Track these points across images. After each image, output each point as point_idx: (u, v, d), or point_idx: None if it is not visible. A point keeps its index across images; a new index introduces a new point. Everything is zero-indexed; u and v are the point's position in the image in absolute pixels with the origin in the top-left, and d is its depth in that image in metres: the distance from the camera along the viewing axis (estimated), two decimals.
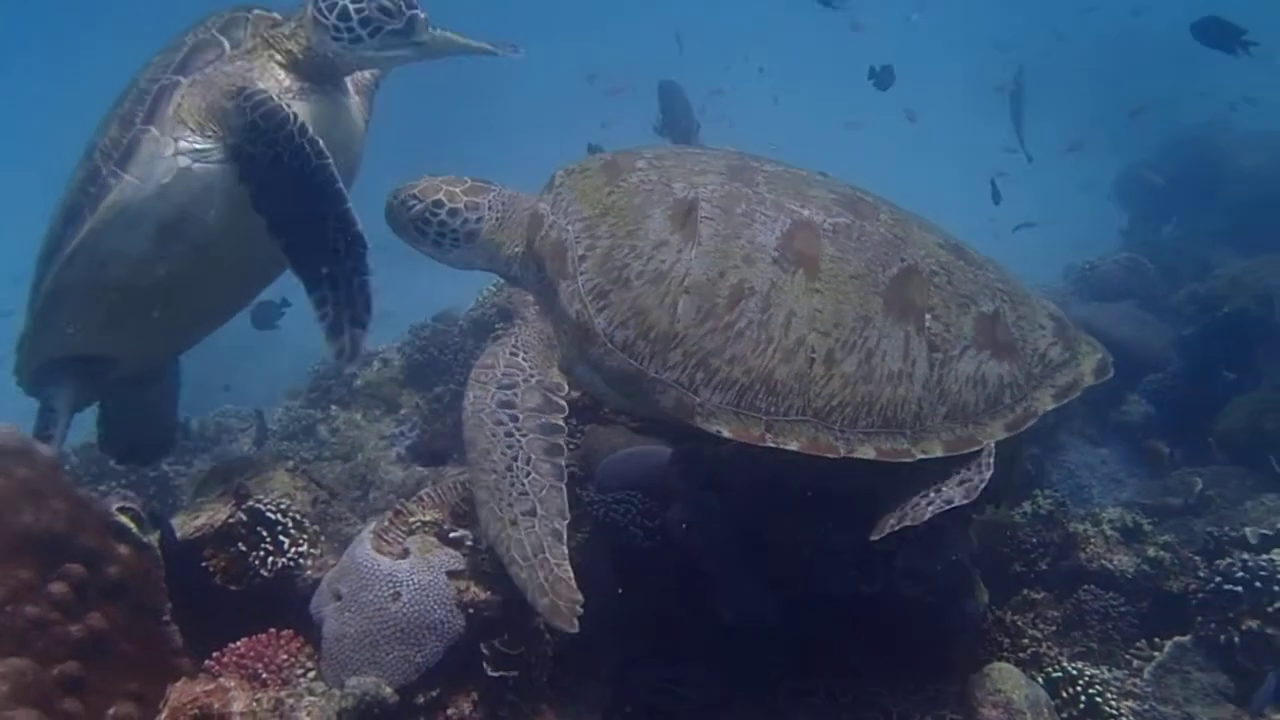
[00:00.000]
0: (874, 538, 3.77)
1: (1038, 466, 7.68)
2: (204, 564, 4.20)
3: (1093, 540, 5.82)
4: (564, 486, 3.66)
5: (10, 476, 3.56)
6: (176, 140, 4.20)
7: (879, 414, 3.83)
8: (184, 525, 4.30)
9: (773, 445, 3.76)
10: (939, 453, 3.87)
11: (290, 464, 4.82)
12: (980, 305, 4.05)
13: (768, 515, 4.35)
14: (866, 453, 3.81)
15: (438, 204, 4.23)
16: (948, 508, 3.74)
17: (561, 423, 3.79)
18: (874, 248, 3.97)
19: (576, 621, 3.39)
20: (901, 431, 3.85)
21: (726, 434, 3.77)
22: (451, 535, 4.08)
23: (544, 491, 3.60)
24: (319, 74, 4.44)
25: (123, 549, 3.73)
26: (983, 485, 3.79)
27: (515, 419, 3.74)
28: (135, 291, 4.50)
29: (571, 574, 3.49)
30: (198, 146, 4.21)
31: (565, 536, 3.57)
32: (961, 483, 3.82)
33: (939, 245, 4.14)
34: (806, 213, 3.98)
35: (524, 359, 3.92)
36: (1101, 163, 18.61)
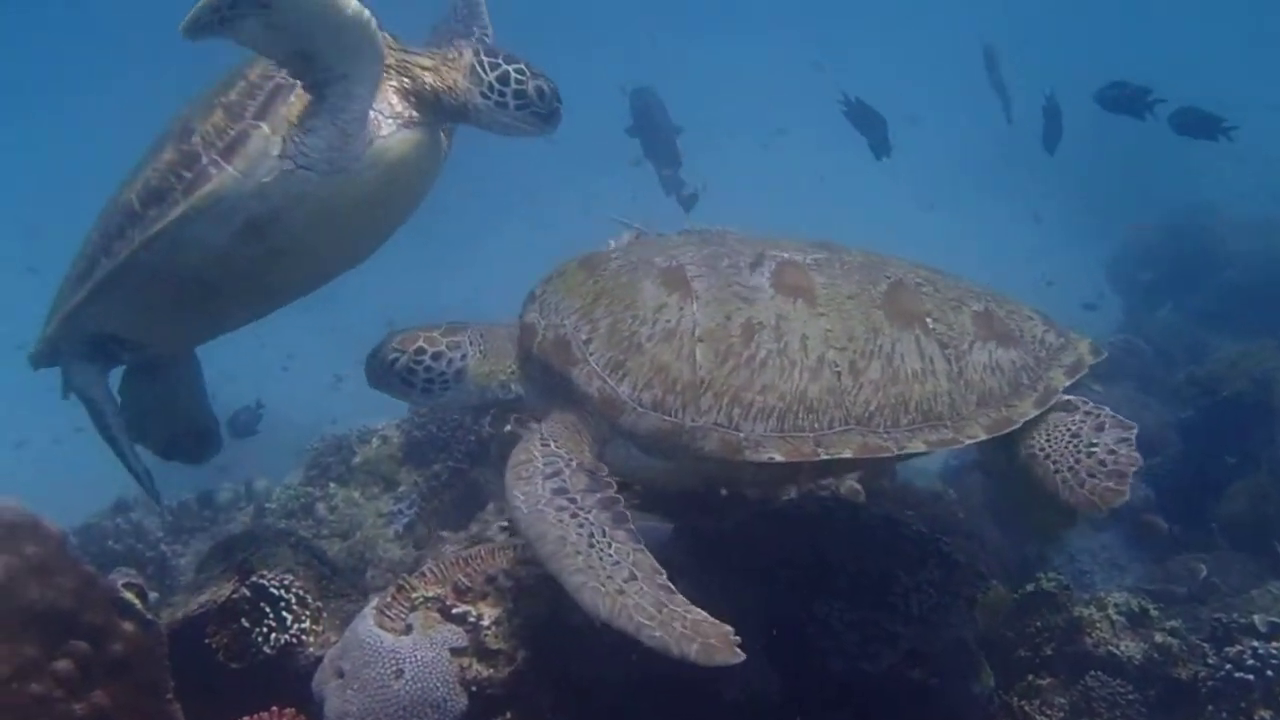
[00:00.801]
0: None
1: (1038, 550, 7.65)
2: (206, 640, 4.18)
3: (1099, 625, 5.76)
4: (646, 549, 3.58)
5: (18, 553, 3.55)
6: (284, 142, 4.14)
7: (916, 410, 3.94)
8: (187, 602, 4.29)
9: (827, 457, 3.81)
10: (982, 436, 4.00)
11: (292, 540, 4.81)
12: (971, 305, 4.25)
13: (771, 591, 4.33)
14: (917, 447, 3.90)
15: (420, 351, 4.20)
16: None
17: (616, 494, 3.73)
18: (858, 271, 4.19)
19: (739, 650, 3.26)
20: (943, 423, 3.97)
21: (779, 458, 3.78)
22: (454, 611, 4.06)
23: (631, 557, 3.51)
24: (432, 110, 4.42)
25: (127, 626, 3.71)
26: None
27: (574, 500, 3.66)
28: (197, 282, 4.49)
29: (704, 613, 3.37)
30: (305, 151, 4.14)
31: (676, 593, 3.44)
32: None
33: (912, 264, 4.40)
34: (786, 254, 4.18)
35: (556, 447, 3.87)
36: (1094, 247, 18.78)
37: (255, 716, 3.90)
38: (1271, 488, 7.66)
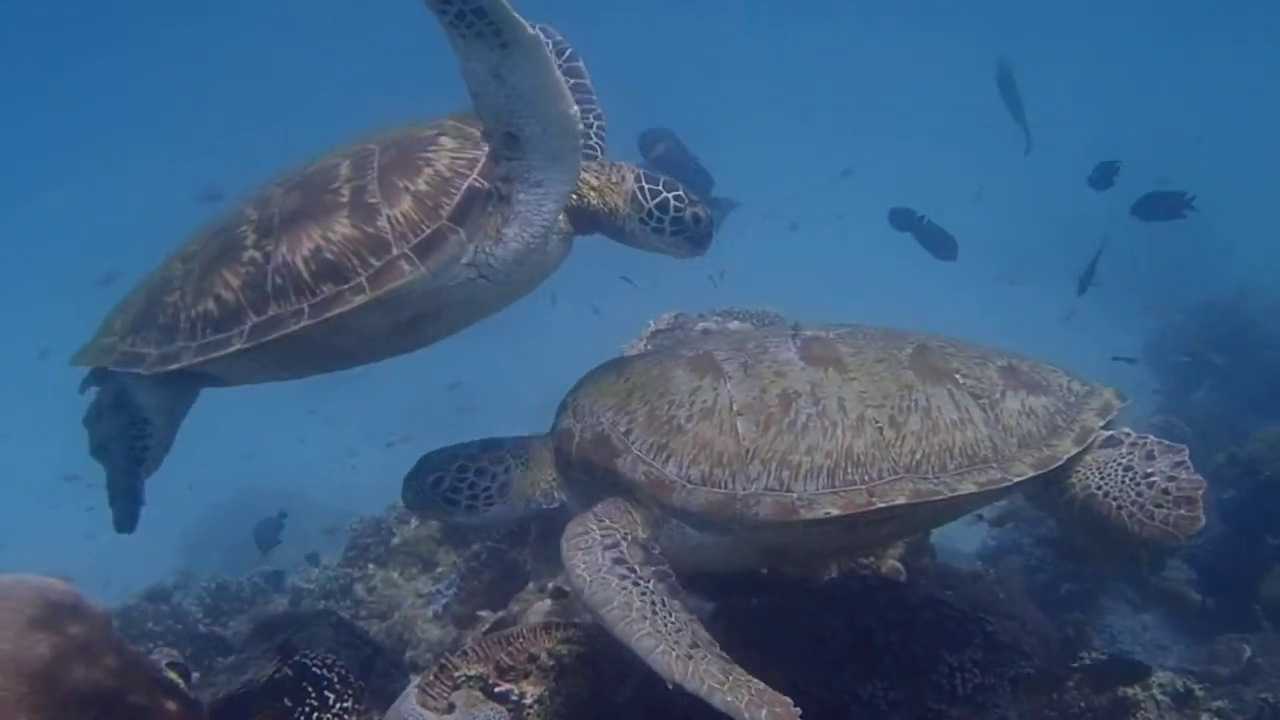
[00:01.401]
0: None
1: (1078, 630, 7.56)
2: None
3: (1144, 706, 5.68)
4: (701, 624, 3.57)
5: (63, 633, 3.59)
6: (475, 251, 4.09)
7: (961, 454, 4.00)
8: (230, 681, 4.30)
9: (882, 505, 3.83)
10: (1030, 473, 4.04)
11: (333, 620, 4.83)
12: (995, 361, 4.38)
13: (813, 670, 4.30)
14: (967, 488, 3.93)
15: (463, 469, 4.23)
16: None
17: (669, 569, 3.74)
18: (881, 340, 4.33)
19: None
20: (989, 464, 4.02)
21: (835, 511, 3.80)
22: (497, 690, 4.06)
23: (690, 627, 3.50)
24: (587, 225, 4.50)
25: (171, 705, 3.74)
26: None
27: (634, 570, 3.67)
28: (331, 351, 4.38)
29: (764, 683, 3.35)
30: (491, 262, 4.13)
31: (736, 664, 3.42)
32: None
33: (930, 334, 4.52)
34: (810, 332, 4.35)
35: (612, 523, 3.89)
36: (1131, 328, 18.73)
37: None
38: None
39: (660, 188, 4.43)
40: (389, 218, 3.99)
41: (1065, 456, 4.12)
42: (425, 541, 7.96)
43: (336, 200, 4.05)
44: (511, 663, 4.20)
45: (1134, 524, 4.01)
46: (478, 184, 4.05)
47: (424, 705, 3.97)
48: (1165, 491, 3.99)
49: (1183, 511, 3.95)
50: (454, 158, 4.10)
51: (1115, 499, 4.06)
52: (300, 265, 3.98)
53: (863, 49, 44.28)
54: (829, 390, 4.03)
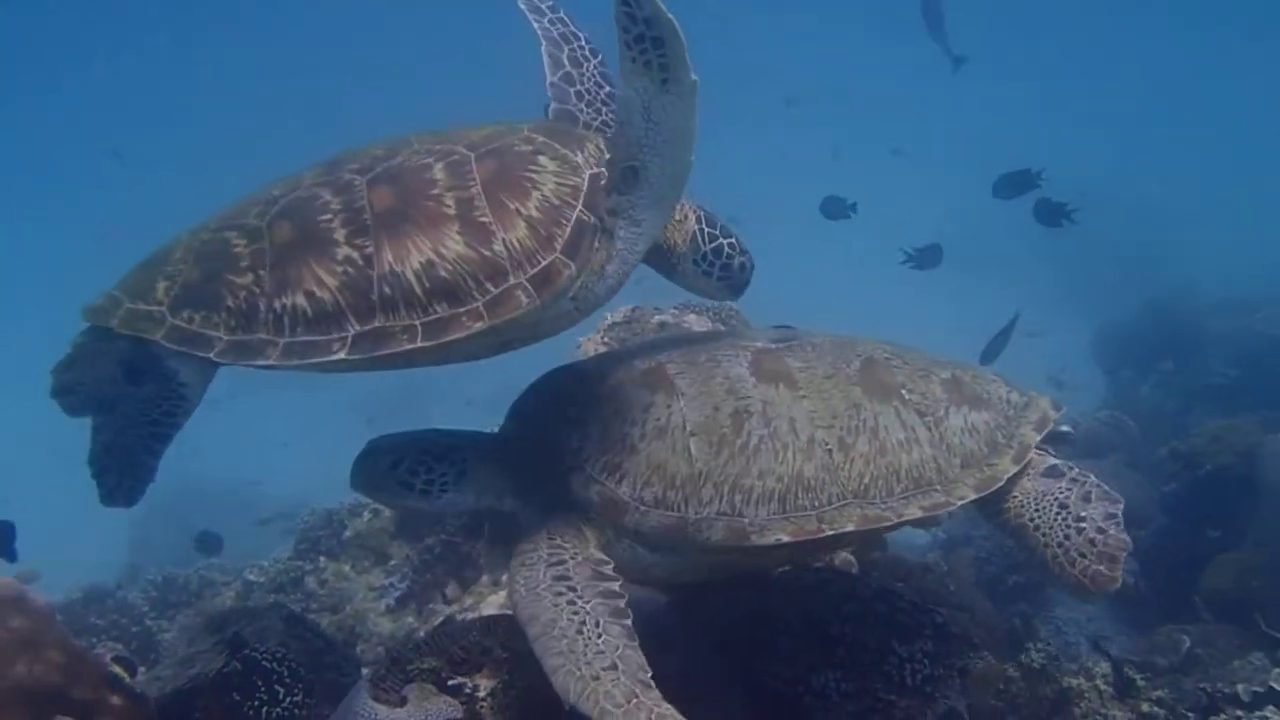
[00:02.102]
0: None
1: (1025, 622, 7.66)
2: (197, 715, 4.16)
3: (1087, 695, 5.77)
4: (638, 647, 3.52)
5: (5, 627, 3.55)
6: (580, 285, 4.00)
7: (907, 478, 4.10)
8: (177, 676, 4.26)
9: (832, 533, 3.92)
10: (972, 495, 4.17)
11: (284, 613, 4.79)
12: (939, 374, 4.45)
13: (767, 662, 4.33)
14: (913, 513, 4.06)
15: (425, 453, 4.12)
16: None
17: (619, 589, 3.72)
18: (829, 352, 4.36)
19: None
20: (933, 487, 4.14)
21: (786, 538, 3.88)
22: (450, 683, 4.06)
23: (620, 650, 3.47)
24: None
25: (116, 700, 3.71)
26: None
27: (574, 588, 3.67)
28: (411, 360, 4.07)
29: (674, 710, 3.32)
30: (589, 297, 4.10)
31: (654, 689, 3.38)
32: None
33: (876, 341, 4.57)
34: (759, 343, 4.36)
35: (563, 541, 3.90)
36: (1076, 325, 19.00)
37: None
38: (1256, 561, 7.67)
39: (718, 232, 4.50)
40: (505, 242, 3.85)
41: (1005, 477, 4.26)
42: (378, 534, 7.92)
43: (441, 210, 3.87)
44: (465, 655, 4.20)
45: (1055, 565, 4.13)
46: (585, 217, 3.94)
47: (376, 699, 3.95)
48: (1092, 542, 4.08)
49: (1103, 569, 4.03)
50: (558, 183, 3.98)
51: (1044, 536, 4.18)
52: (412, 279, 3.78)
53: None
54: (780, 410, 4.07)
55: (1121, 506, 4.19)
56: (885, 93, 41.49)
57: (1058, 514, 4.19)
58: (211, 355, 3.71)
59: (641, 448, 3.98)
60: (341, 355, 3.73)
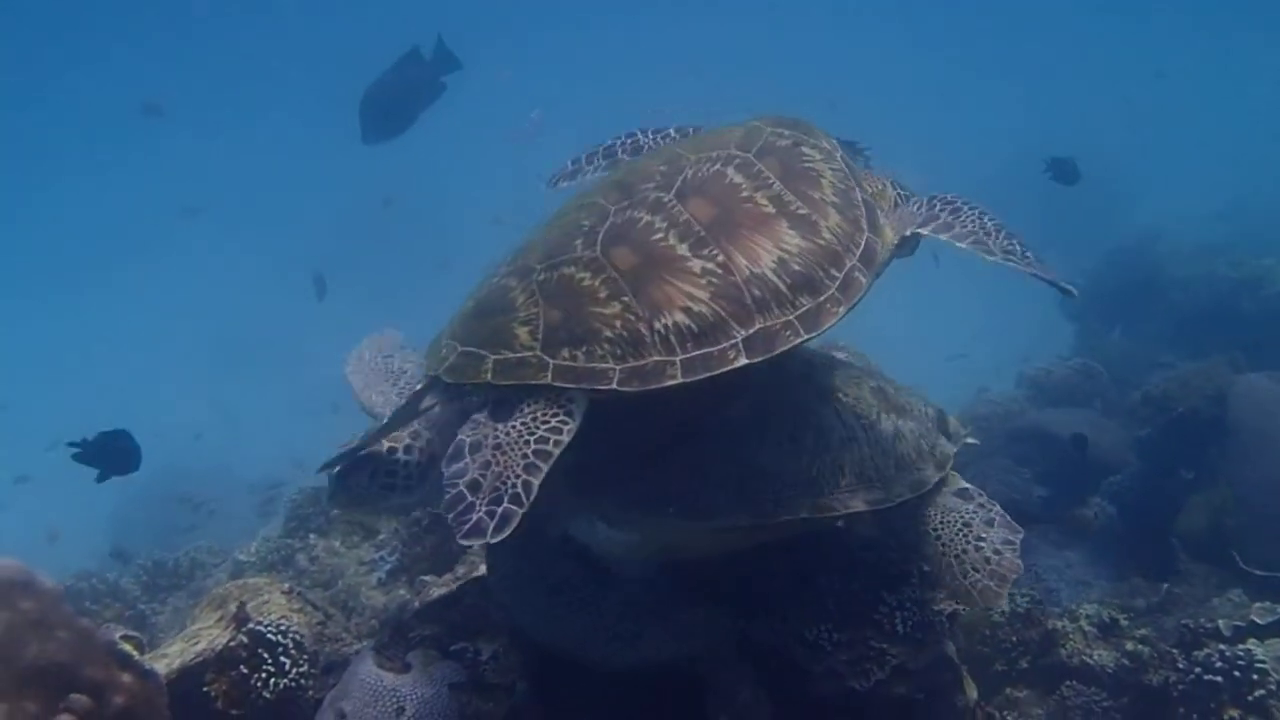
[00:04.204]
0: None
1: None
2: (205, 689, 4.22)
3: (1071, 636, 5.94)
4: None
5: (15, 609, 3.57)
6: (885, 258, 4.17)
7: (851, 473, 4.24)
8: (184, 652, 4.31)
9: (788, 518, 4.05)
10: (908, 494, 4.36)
11: (286, 587, 4.85)
12: (868, 382, 4.60)
13: (760, 617, 4.43)
14: (858, 505, 4.19)
15: (391, 450, 3.96)
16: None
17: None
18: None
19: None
20: (875, 484, 4.29)
21: (744, 521, 4.03)
22: (452, 648, 4.14)
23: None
24: None
25: (127, 678, 3.73)
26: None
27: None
28: None
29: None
30: (885, 268, 4.21)
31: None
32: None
33: (809, 349, 4.59)
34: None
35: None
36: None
37: None
38: (1228, 501, 7.84)
39: (909, 203, 4.50)
40: (829, 230, 3.96)
41: (931, 482, 4.46)
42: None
43: (762, 211, 3.94)
44: (464, 621, 4.27)
45: (949, 575, 4.32)
46: (864, 195, 4.15)
47: (380, 666, 4.03)
48: (987, 560, 4.29)
49: (992, 585, 4.23)
50: (831, 169, 4.14)
51: (944, 545, 4.40)
52: (773, 278, 3.82)
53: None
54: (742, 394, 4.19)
55: (1021, 537, 4.39)
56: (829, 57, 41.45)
57: (960, 530, 4.42)
58: (614, 385, 3.62)
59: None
60: (742, 361, 3.71)
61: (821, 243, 3.91)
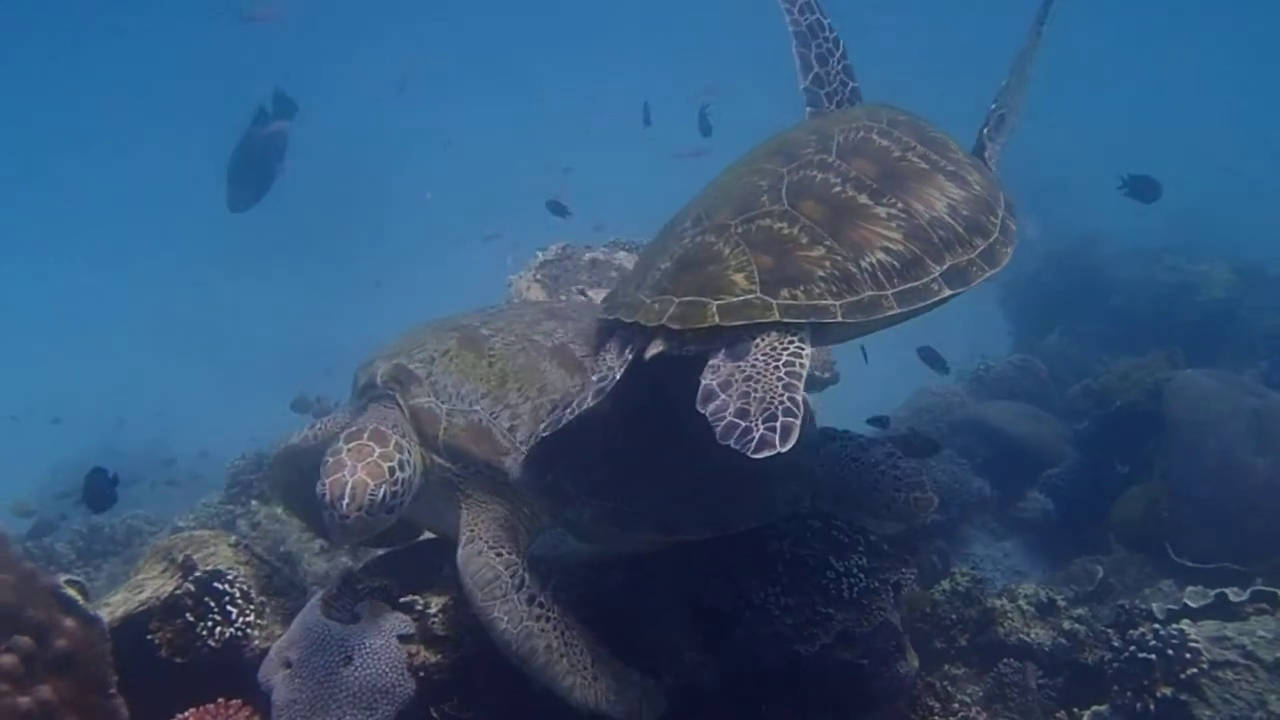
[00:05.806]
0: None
1: (943, 559, 7.90)
2: (150, 637, 4.18)
3: (1010, 615, 6.04)
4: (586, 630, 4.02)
5: None
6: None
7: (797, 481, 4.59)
8: (128, 600, 4.27)
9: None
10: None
11: (233, 539, 4.81)
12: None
13: (708, 580, 4.46)
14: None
15: (393, 470, 3.89)
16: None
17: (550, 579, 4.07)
18: None
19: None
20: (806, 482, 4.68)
21: (709, 534, 4.31)
22: (401, 600, 4.13)
23: (584, 637, 3.98)
24: None
25: (70, 622, 3.70)
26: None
27: (542, 605, 3.89)
28: None
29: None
30: None
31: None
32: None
33: None
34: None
35: (509, 554, 3.94)
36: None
37: (202, 709, 3.93)
38: (1163, 494, 7.98)
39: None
40: (977, 183, 4.37)
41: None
42: None
43: (920, 167, 4.30)
44: (414, 575, 4.26)
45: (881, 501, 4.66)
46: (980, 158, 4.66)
47: (329, 616, 4.01)
48: (896, 480, 4.59)
49: (917, 494, 4.55)
50: (945, 137, 4.59)
51: (865, 485, 4.68)
52: (950, 221, 4.13)
53: None
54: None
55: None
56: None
57: (871, 468, 4.67)
58: (840, 318, 3.80)
59: (575, 434, 3.94)
60: (946, 293, 4.00)
61: (976, 193, 4.30)
